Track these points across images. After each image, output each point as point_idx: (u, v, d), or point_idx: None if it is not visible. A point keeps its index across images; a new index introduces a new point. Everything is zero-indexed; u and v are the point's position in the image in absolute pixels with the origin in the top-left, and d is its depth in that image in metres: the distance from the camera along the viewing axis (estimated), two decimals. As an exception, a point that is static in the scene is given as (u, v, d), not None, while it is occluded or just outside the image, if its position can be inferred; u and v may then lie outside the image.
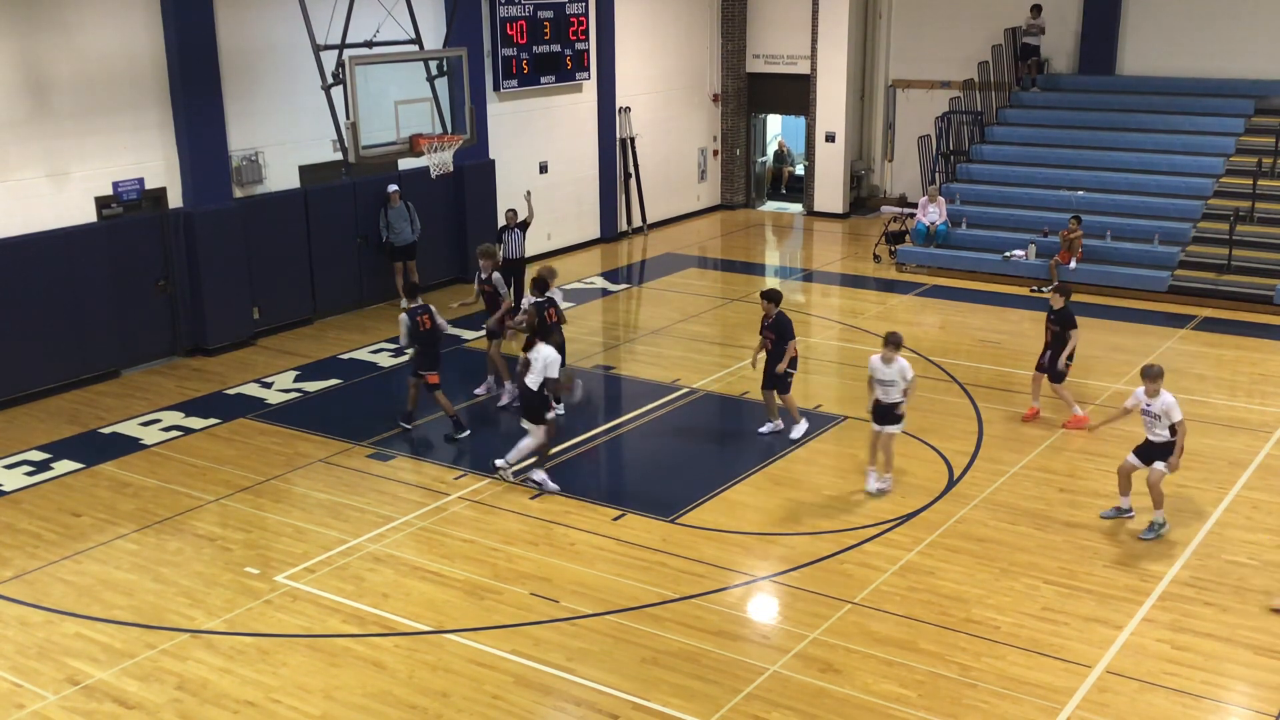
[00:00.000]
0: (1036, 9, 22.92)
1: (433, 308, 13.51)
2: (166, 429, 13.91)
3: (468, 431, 13.61)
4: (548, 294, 13.95)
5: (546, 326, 13.58)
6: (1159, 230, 19.76)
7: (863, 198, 26.32)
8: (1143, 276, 19.15)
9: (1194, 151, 20.98)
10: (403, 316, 13.39)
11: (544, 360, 11.74)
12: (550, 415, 12.00)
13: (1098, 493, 11.85)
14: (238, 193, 16.77)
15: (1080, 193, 20.90)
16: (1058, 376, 13.65)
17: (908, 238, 21.70)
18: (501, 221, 18.53)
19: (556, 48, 21.50)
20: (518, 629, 9.50)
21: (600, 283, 20.69)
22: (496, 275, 14.58)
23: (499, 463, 12.25)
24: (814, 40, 25.16)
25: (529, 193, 18.98)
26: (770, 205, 27.51)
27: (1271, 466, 12.46)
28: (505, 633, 9.45)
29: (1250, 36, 21.74)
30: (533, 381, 11.78)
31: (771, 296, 13.33)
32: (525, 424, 12.03)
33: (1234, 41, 21.87)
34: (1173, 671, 8.78)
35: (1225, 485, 11.98)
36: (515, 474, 12.24)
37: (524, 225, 17.89)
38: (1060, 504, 11.63)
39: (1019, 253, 20.14)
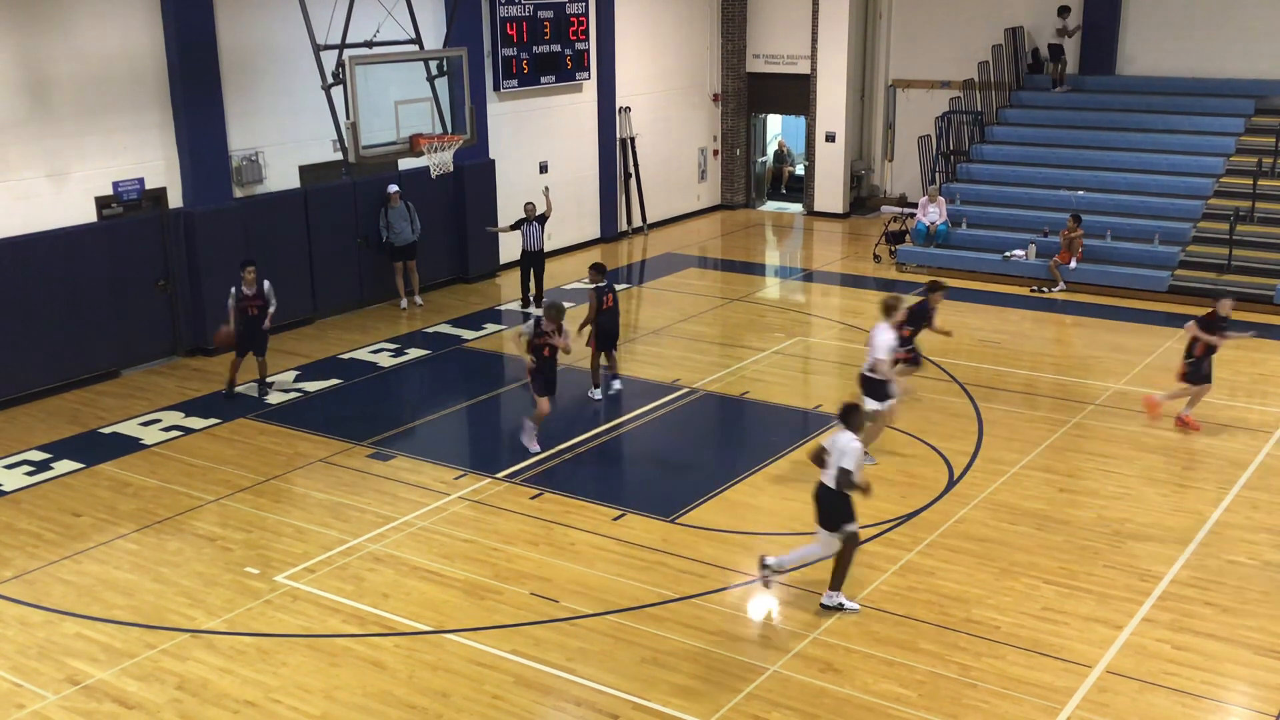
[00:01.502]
0: (1064, 10, 22.81)
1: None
2: (166, 429, 13.91)
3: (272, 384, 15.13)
4: (606, 277, 14.59)
5: (605, 311, 14.34)
6: (1159, 230, 19.75)
7: (863, 198, 26.31)
8: (1143, 276, 19.15)
9: (1194, 151, 20.97)
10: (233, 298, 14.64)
11: (843, 450, 9.31)
12: (852, 527, 9.49)
13: (1097, 493, 11.85)
14: (238, 193, 16.77)
15: (1080, 193, 20.89)
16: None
17: (908, 238, 21.70)
18: (519, 215, 18.78)
19: (556, 48, 21.50)
20: (518, 629, 9.50)
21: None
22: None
23: (770, 561, 9.80)
24: (814, 40, 25.15)
25: (547, 188, 19.49)
26: (770, 205, 27.50)
27: (1271, 466, 12.46)
28: (505, 633, 9.45)
29: (1250, 36, 21.73)
30: (829, 478, 9.39)
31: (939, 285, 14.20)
32: (820, 530, 9.61)
33: (1234, 41, 21.86)
34: (1173, 671, 8.78)
35: (1225, 485, 11.98)
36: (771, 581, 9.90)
37: (542, 219, 18.50)
38: (1061, 504, 11.63)
39: (1019, 253, 20.13)
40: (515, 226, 18.47)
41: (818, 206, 26.03)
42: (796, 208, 26.93)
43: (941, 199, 21.51)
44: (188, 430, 13.86)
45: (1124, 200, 20.55)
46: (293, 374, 15.70)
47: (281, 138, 17.27)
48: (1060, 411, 14.06)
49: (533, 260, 18.58)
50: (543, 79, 21.36)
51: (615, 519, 11.43)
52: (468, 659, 9.09)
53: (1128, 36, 22.98)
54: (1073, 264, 19.44)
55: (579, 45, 21.93)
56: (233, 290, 14.65)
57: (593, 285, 14.53)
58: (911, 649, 9.11)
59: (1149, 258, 19.41)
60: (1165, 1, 22.48)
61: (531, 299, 18.77)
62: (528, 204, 18.52)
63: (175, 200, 16.13)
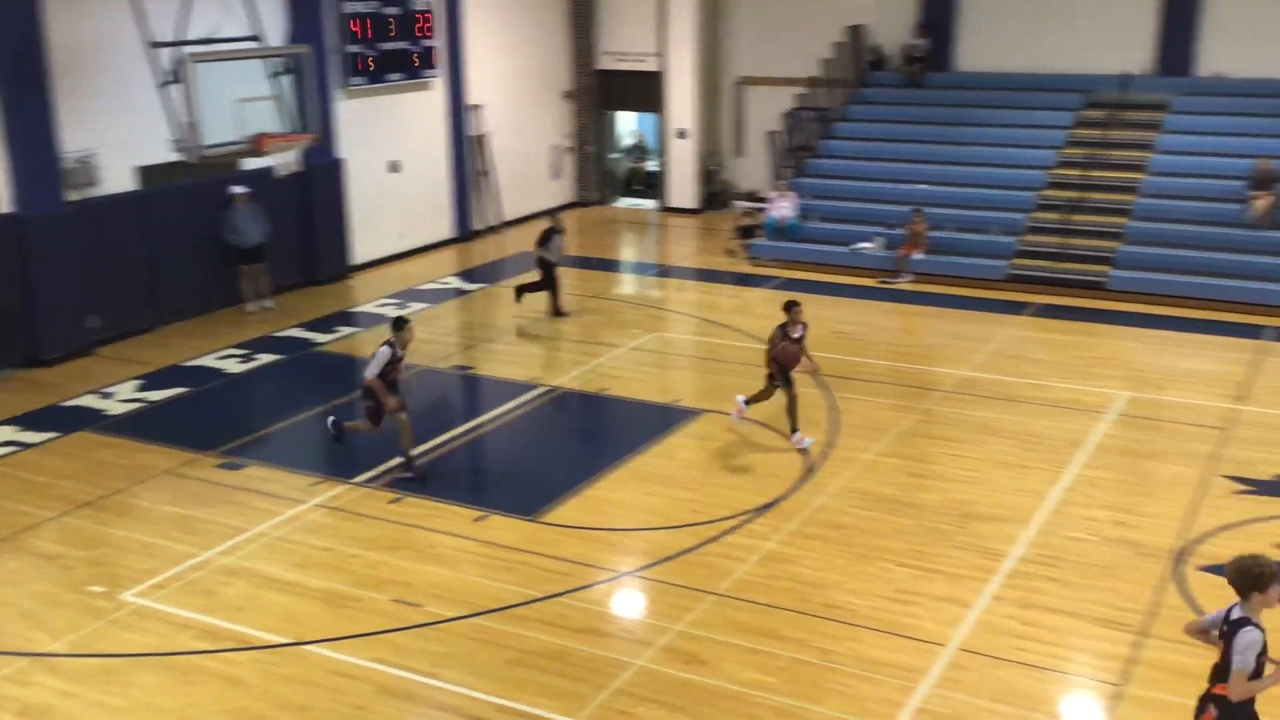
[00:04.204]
0: (921, 29, 23.63)
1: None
2: (1, 444, 13.23)
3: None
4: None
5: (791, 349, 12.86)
6: (997, 221, 20.50)
7: (715, 193, 26.63)
8: (983, 266, 19.85)
9: (1028, 145, 21.83)
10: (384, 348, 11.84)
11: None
12: None
13: (945, 476, 12.24)
14: (71, 196, 16.03)
15: (923, 186, 21.54)
16: None
17: (760, 232, 22.06)
18: (547, 223, 18.33)
19: (403, 45, 21.17)
20: (379, 636, 9.33)
21: (455, 282, 20.47)
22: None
23: None
24: (663, 38, 25.36)
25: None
26: (625, 202, 27.62)
27: (1107, 445, 13.05)
28: (366, 641, 9.27)
29: (1079, 33, 22.69)
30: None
31: None
32: None
33: (1064, 38, 22.80)
34: (1021, 646, 9.12)
35: (1064, 464, 12.50)
36: None
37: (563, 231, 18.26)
38: (912, 488, 11.97)
39: (866, 245, 20.66)
40: (545, 241, 17.86)
41: (672, 203, 26.25)
42: (651, 204, 27.10)
43: (791, 194, 21.93)
44: (23, 445, 13.20)
45: (964, 193, 21.27)
46: (134, 384, 15.11)
47: (118, 138, 16.55)
48: (910, 399, 14.47)
49: (553, 271, 18.06)
50: (391, 76, 21.01)
51: (477, 520, 11.32)
52: (328, 670, 8.89)
53: (964, 34, 23.79)
54: (918, 256, 20.03)
55: (426, 42, 21.63)
56: (386, 349, 11.81)
57: (798, 323, 12.89)
58: (774, 636, 9.26)
59: (988, 248, 20.12)
60: (999, 0, 23.36)
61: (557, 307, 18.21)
62: (558, 215, 18.43)
63: (3, 205, 15.34)
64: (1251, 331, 17.10)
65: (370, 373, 11.83)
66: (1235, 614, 6.48)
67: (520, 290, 18.23)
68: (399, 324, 12.04)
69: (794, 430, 12.99)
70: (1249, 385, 14.87)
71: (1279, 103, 20.81)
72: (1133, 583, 10.02)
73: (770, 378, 13.01)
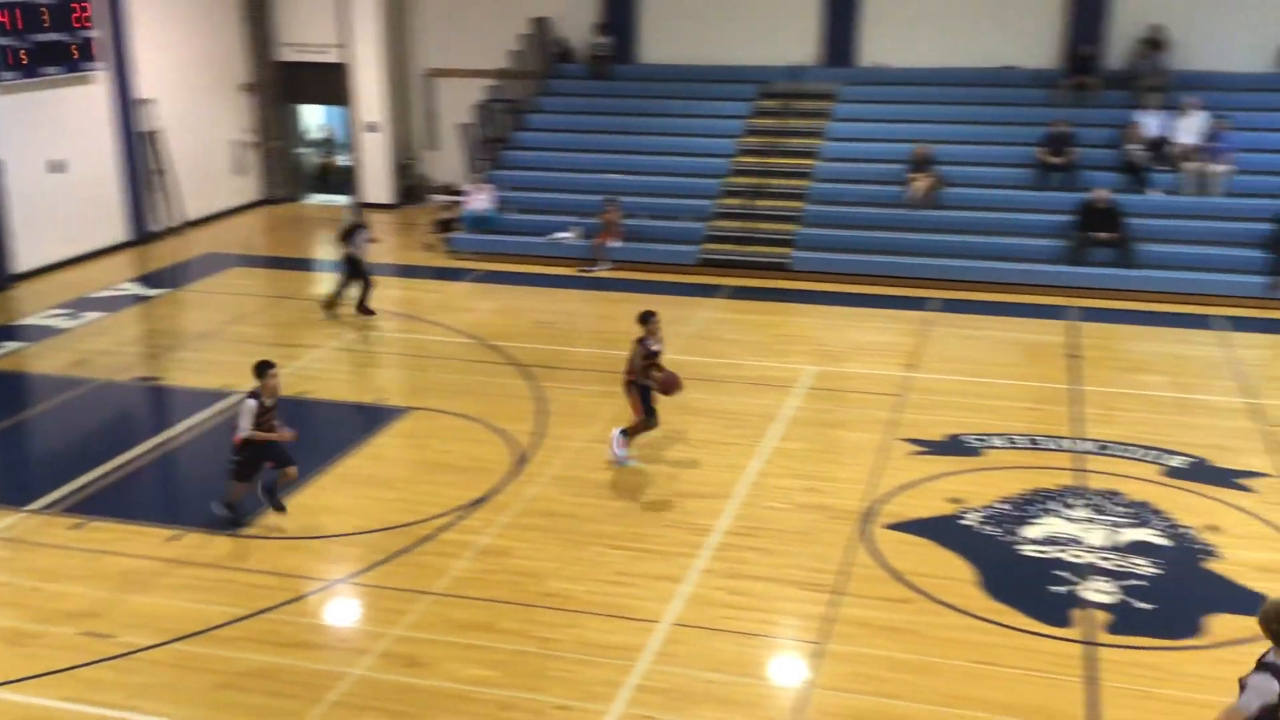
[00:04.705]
0: (601, 28, 24.05)
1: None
2: None
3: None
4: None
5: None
6: (686, 209, 21.22)
7: (411, 187, 26.21)
8: (676, 252, 20.51)
9: (711, 134, 22.70)
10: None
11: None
12: None
13: (654, 459, 12.57)
14: None
15: (615, 175, 22.00)
16: None
17: (458, 225, 21.91)
18: (350, 219, 17.43)
19: (60, 36, 19.60)
20: (69, 673, 8.64)
21: (134, 288, 19.21)
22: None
23: None
24: (345, 29, 24.69)
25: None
26: (317, 198, 26.75)
27: (797, 418, 13.79)
28: (53, 680, 8.56)
29: (751, 27, 23.77)
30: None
31: None
32: None
33: (737, 32, 23.84)
34: (731, 615, 9.51)
35: (760, 439, 13.11)
36: None
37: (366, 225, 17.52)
38: (623, 471, 12.22)
39: (564, 235, 20.91)
40: (350, 236, 16.97)
41: (366, 198, 25.63)
42: (344, 200, 26.34)
43: (488, 185, 21.90)
44: None
45: (654, 181, 21.87)
46: None
47: None
48: (615, 384, 14.68)
49: (361, 270, 17.30)
50: (47, 70, 19.40)
51: (170, 539, 10.68)
52: (11, 715, 8.15)
53: (646, 28, 24.44)
54: (614, 244, 20.46)
55: (85, 33, 20.12)
56: (252, 401, 10.82)
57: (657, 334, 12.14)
58: (493, 630, 9.25)
59: (679, 234, 20.81)
60: (677, -5, 24.21)
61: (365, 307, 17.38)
62: (357, 209, 17.56)
63: None
64: (918, 304, 18.51)
65: (244, 429, 10.80)
66: (1269, 658, 6.00)
67: (329, 304, 17.43)
68: (262, 370, 10.88)
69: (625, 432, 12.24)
70: (919, 354, 16.10)
71: (933, 90, 22.60)
72: (826, 545, 10.65)
73: (645, 403, 12.20)
